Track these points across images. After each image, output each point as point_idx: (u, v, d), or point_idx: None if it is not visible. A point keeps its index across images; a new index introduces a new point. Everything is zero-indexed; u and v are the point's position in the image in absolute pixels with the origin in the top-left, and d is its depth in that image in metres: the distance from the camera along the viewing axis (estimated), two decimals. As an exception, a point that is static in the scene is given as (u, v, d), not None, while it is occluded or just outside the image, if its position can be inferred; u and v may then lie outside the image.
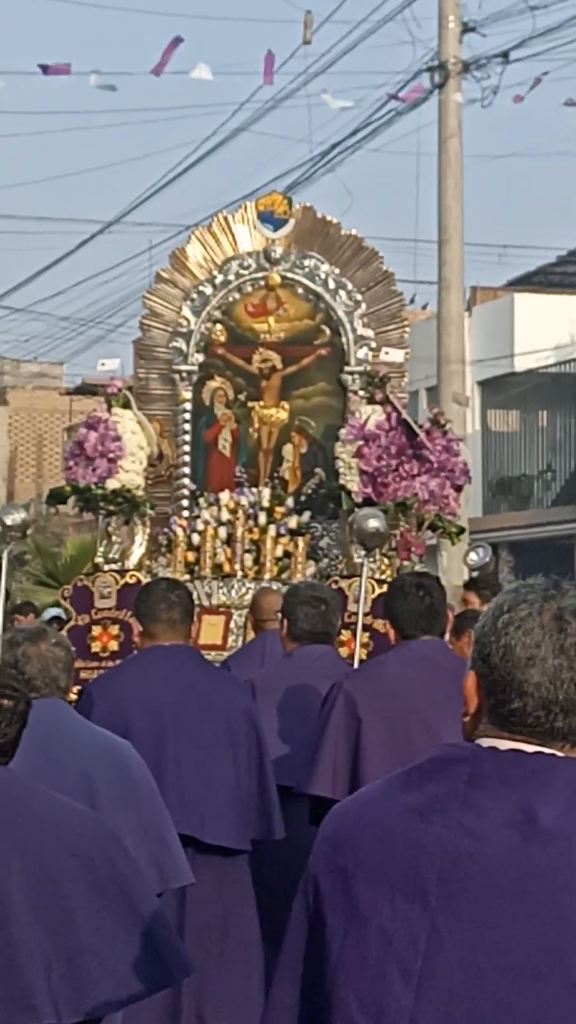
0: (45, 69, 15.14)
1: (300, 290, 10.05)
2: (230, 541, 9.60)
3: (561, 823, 2.16)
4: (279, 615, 6.66)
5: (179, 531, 9.69)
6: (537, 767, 2.20)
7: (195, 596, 8.21)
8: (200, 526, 9.68)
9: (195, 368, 10.03)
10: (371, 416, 9.37)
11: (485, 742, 2.24)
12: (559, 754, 2.22)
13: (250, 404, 10.09)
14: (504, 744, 2.23)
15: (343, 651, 7.97)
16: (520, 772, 2.20)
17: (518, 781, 2.19)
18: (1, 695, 3.37)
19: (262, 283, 10.04)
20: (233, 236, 10.11)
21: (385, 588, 8.88)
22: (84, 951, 3.17)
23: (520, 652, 2.22)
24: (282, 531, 9.63)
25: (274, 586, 9.03)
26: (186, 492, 9.98)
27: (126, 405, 9.47)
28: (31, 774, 4.13)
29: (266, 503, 9.75)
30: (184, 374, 10.03)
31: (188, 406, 10.04)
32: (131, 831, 4.41)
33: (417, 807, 2.22)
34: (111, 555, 9.38)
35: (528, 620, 2.23)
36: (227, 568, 9.56)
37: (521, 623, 2.23)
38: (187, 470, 10.03)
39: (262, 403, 10.09)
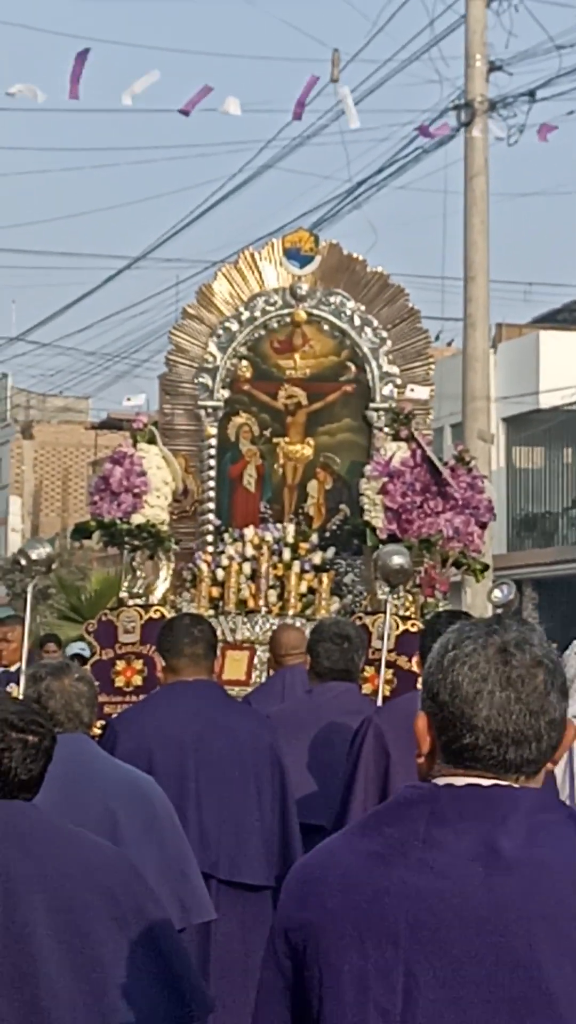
0: (73, 83, 15.07)
1: (326, 327, 10.08)
2: (254, 577, 9.61)
3: (524, 852, 2.17)
4: (299, 652, 6.66)
5: (203, 566, 9.70)
6: (496, 799, 2.21)
7: (219, 631, 8.23)
8: (224, 561, 9.69)
9: (220, 404, 10.06)
10: (396, 453, 9.38)
11: (441, 780, 2.25)
12: (515, 786, 2.23)
13: (275, 440, 10.11)
14: (460, 780, 2.23)
15: (366, 687, 7.96)
16: (479, 806, 2.20)
17: (478, 815, 2.20)
18: (26, 731, 3.38)
19: (288, 319, 10.08)
20: (259, 272, 10.15)
21: (409, 625, 8.88)
22: (107, 987, 3.17)
23: (467, 687, 2.23)
24: (306, 567, 9.63)
25: (297, 622, 9.03)
26: (211, 527, 9.99)
27: (152, 440, 9.50)
28: (55, 809, 4.14)
29: (291, 539, 9.76)
30: (209, 410, 10.06)
31: (213, 442, 10.06)
32: (154, 867, 4.41)
33: (378, 852, 2.22)
34: (135, 590, 9.40)
35: (474, 655, 2.24)
36: (251, 604, 9.57)
37: (467, 658, 2.24)
38: (212, 505, 10.05)
39: (287, 439, 10.11)
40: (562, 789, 5.78)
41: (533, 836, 2.18)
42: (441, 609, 9.15)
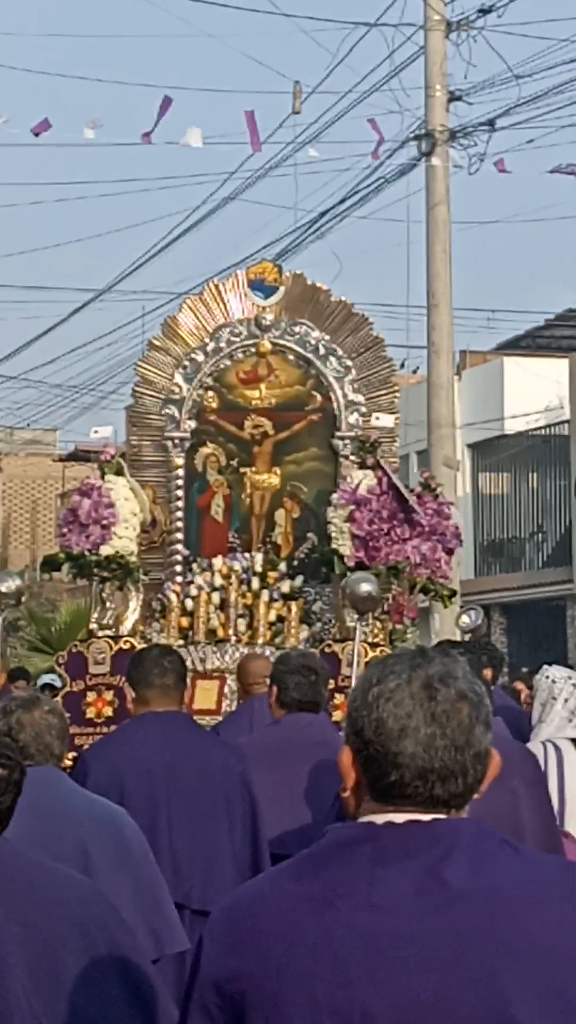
0: (37, 133, 15.23)
1: (291, 356, 10.14)
2: (223, 606, 9.64)
3: (472, 882, 2.15)
4: (267, 680, 6.67)
5: (173, 596, 9.72)
6: (438, 833, 2.20)
7: (189, 661, 8.24)
8: (193, 591, 9.71)
9: (187, 435, 10.10)
10: (362, 481, 9.43)
11: (379, 819, 2.22)
12: (453, 818, 2.22)
13: (242, 470, 10.16)
14: (399, 817, 2.21)
15: (337, 715, 7.98)
16: (423, 841, 2.19)
17: (422, 850, 2.18)
18: None
19: (253, 350, 10.13)
20: (224, 304, 10.20)
21: (379, 651, 8.91)
22: (80, 1021, 3.17)
23: (392, 724, 2.21)
24: (275, 596, 9.66)
25: (267, 651, 9.05)
26: (179, 558, 10.01)
27: (119, 472, 9.53)
28: (26, 842, 4.12)
29: (259, 568, 9.79)
30: (176, 440, 10.09)
31: (181, 472, 10.09)
32: (126, 898, 4.41)
33: (318, 895, 2.18)
34: (105, 621, 9.41)
35: (398, 691, 2.22)
36: (221, 633, 9.59)
37: (391, 695, 2.22)
38: (180, 536, 10.08)
39: (254, 469, 10.16)
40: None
41: (478, 865, 2.17)
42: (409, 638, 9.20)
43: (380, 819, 2.22)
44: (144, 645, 8.42)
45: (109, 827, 4.54)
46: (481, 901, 2.14)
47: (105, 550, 9.31)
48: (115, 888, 4.37)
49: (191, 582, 9.80)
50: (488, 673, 8.38)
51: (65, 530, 9.44)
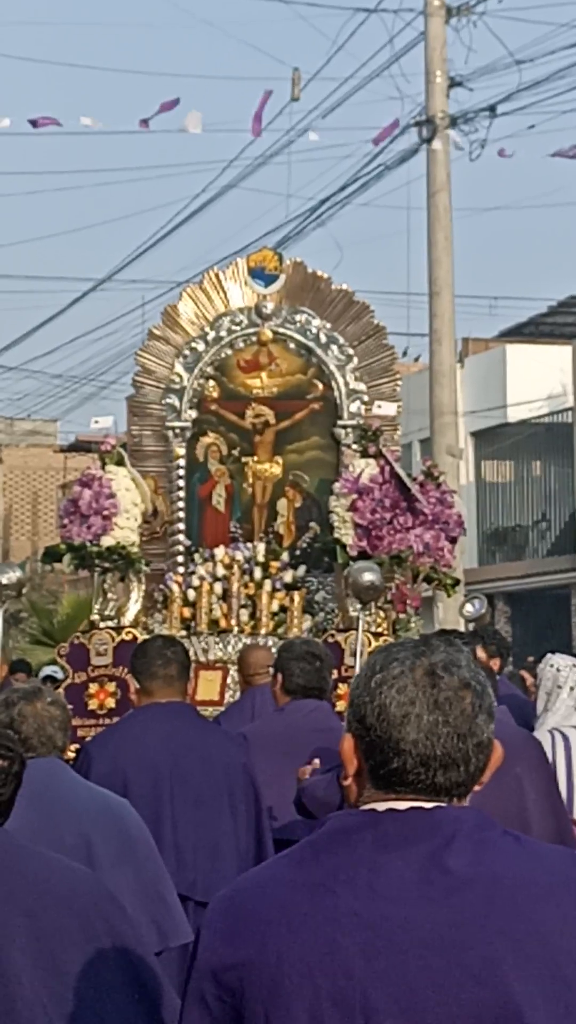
0: (35, 124, 15.21)
1: (292, 345, 10.09)
2: (226, 596, 9.61)
3: (475, 870, 2.15)
4: (271, 670, 6.65)
5: (175, 587, 9.69)
6: (440, 821, 2.19)
7: (191, 652, 8.22)
8: (195, 582, 9.68)
9: (188, 424, 10.06)
10: (365, 469, 9.39)
11: (380, 806, 2.22)
12: (455, 806, 2.22)
13: (244, 459, 10.12)
14: (401, 804, 2.21)
15: (340, 705, 7.96)
16: (424, 829, 2.18)
17: (425, 837, 2.18)
18: None
19: (254, 339, 10.09)
20: (224, 292, 10.16)
21: (382, 641, 8.88)
22: (84, 1012, 3.15)
23: (395, 710, 2.21)
24: (278, 586, 9.63)
25: (269, 641, 9.02)
26: (181, 548, 9.98)
27: (120, 462, 9.49)
28: (29, 834, 4.11)
29: (261, 558, 9.76)
30: (177, 430, 10.05)
31: (182, 462, 10.06)
32: (129, 890, 4.39)
33: (319, 882, 2.18)
34: (107, 612, 9.38)
35: (401, 677, 2.22)
36: (223, 623, 9.56)
37: (394, 681, 2.22)
38: (182, 526, 10.04)
39: (256, 458, 10.12)
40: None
41: (480, 853, 2.17)
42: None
43: (382, 806, 2.21)
44: (146, 636, 8.40)
45: (112, 819, 4.52)
46: (483, 889, 2.14)
47: (106, 541, 9.28)
48: (118, 880, 4.36)
49: (193, 572, 9.77)
50: (496, 663, 8.35)
51: (66, 521, 9.41)
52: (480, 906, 2.13)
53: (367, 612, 8.71)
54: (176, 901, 4.71)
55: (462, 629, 13.24)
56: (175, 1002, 3.32)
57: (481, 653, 7.99)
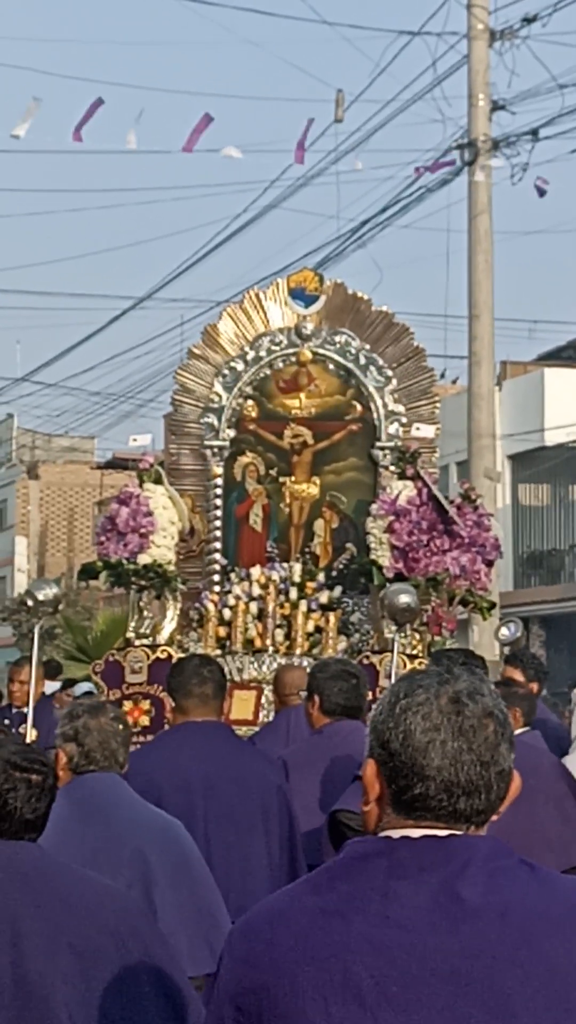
0: (80, 126, 15.12)
1: (331, 366, 10.10)
2: (261, 616, 9.60)
3: (487, 899, 2.16)
4: (303, 692, 6.63)
5: (210, 606, 9.70)
6: (454, 849, 2.20)
7: (226, 671, 8.20)
8: (231, 601, 9.68)
9: (226, 444, 10.07)
10: (402, 491, 9.39)
11: (395, 833, 2.23)
12: (470, 834, 2.22)
13: (281, 479, 10.12)
14: (415, 832, 2.22)
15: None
16: (438, 856, 2.19)
17: (438, 866, 2.18)
18: (30, 770, 3.37)
19: (293, 359, 10.10)
20: (265, 312, 10.17)
21: (417, 663, 8.87)
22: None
23: (420, 736, 2.22)
24: (313, 606, 9.62)
25: (304, 661, 9.01)
26: (217, 567, 9.99)
27: (158, 480, 9.51)
28: (90, 847, 4.13)
29: (297, 578, 9.76)
30: (215, 449, 10.07)
31: (219, 481, 10.07)
32: (185, 909, 4.41)
33: (333, 908, 2.19)
34: (142, 630, 9.39)
35: (426, 704, 2.24)
36: (258, 643, 9.56)
37: (419, 707, 2.24)
38: (218, 545, 10.05)
39: (293, 478, 10.12)
40: None
41: (493, 882, 2.17)
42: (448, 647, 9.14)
43: (396, 833, 2.23)
44: (181, 654, 8.40)
45: (170, 839, 4.53)
46: (495, 918, 2.14)
47: (143, 559, 9.29)
48: (173, 899, 4.38)
49: (229, 592, 9.77)
50: (534, 686, 8.30)
51: (103, 538, 9.43)
52: (491, 936, 2.13)
53: (402, 634, 8.69)
54: (228, 922, 4.70)
55: (496, 651, 13.21)
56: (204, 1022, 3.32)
57: (520, 676, 7.98)
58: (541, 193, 17.85)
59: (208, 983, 4.65)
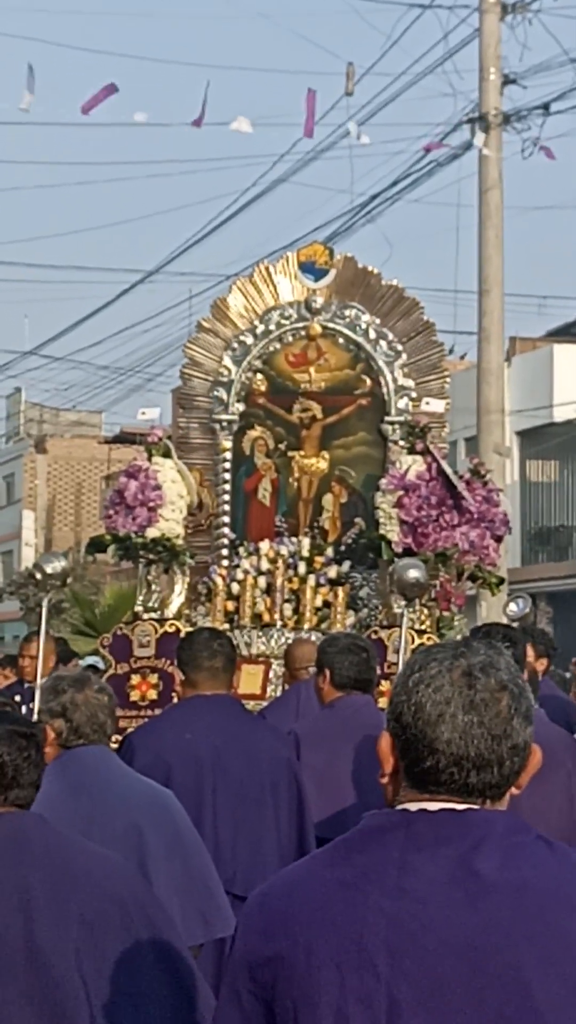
0: (91, 103, 15.07)
1: (341, 340, 10.07)
2: (269, 591, 9.59)
3: (503, 874, 2.15)
4: (312, 666, 6.62)
5: (219, 580, 9.68)
6: (471, 823, 2.20)
7: (234, 645, 8.19)
8: (240, 575, 9.67)
9: (235, 417, 10.05)
10: (411, 466, 9.36)
11: (412, 806, 2.23)
12: (487, 809, 2.22)
13: (290, 454, 10.10)
14: (433, 805, 2.22)
15: (383, 701, 7.93)
16: (455, 830, 2.19)
17: (455, 839, 2.18)
18: (32, 738, 3.37)
19: (303, 333, 10.06)
20: (274, 286, 10.14)
21: (425, 639, 8.86)
22: (120, 997, 3.16)
23: (430, 709, 2.22)
24: (322, 581, 9.61)
25: (312, 636, 9.00)
26: (226, 541, 9.97)
27: (166, 454, 9.49)
28: (82, 821, 4.12)
29: (306, 553, 9.74)
30: (224, 423, 10.04)
31: (228, 455, 10.04)
32: (178, 881, 4.41)
33: (349, 880, 2.19)
34: (150, 604, 9.37)
35: (438, 677, 2.23)
36: (266, 618, 9.55)
37: (431, 680, 2.24)
38: (227, 519, 10.03)
39: (302, 453, 10.10)
40: None
41: (509, 858, 2.17)
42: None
43: (414, 806, 2.22)
44: (189, 628, 8.39)
45: (161, 810, 4.52)
46: (511, 894, 2.14)
47: (151, 532, 9.27)
48: (167, 871, 4.37)
49: (237, 566, 9.76)
50: (543, 663, 8.29)
51: (111, 512, 9.41)
52: (507, 911, 2.13)
53: (411, 609, 8.67)
54: (221, 893, 4.70)
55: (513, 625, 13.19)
56: (207, 991, 3.32)
57: (529, 652, 7.96)
58: (549, 156, 17.74)
59: (201, 954, 4.66)
